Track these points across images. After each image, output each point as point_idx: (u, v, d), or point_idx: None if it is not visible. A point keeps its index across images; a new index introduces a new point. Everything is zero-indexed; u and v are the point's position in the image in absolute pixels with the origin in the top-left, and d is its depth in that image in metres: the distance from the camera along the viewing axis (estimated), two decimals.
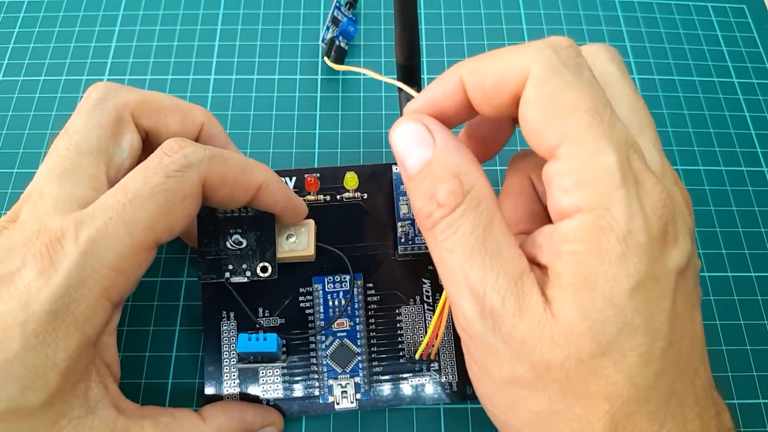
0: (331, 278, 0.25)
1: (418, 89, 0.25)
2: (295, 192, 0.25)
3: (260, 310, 0.25)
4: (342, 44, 0.34)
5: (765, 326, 0.29)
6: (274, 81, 0.34)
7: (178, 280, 0.29)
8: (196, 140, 0.24)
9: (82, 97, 0.23)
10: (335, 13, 0.34)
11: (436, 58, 0.35)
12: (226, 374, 0.24)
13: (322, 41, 0.34)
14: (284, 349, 0.24)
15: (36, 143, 0.32)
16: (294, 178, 0.26)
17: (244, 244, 0.23)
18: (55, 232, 0.19)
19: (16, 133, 0.32)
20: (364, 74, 0.32)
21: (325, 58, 0.33)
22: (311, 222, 0.24)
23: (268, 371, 0.24)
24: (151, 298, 0.28)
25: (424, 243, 0.25)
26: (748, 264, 0.30)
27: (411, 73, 0.25)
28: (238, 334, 0.24)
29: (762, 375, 0.28)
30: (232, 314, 0.25)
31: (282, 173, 0.25)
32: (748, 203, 0.32)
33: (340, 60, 0.33)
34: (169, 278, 0.29)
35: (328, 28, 0.34)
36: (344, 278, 0.25)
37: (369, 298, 0.25)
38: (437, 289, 0.26)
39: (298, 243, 0.24)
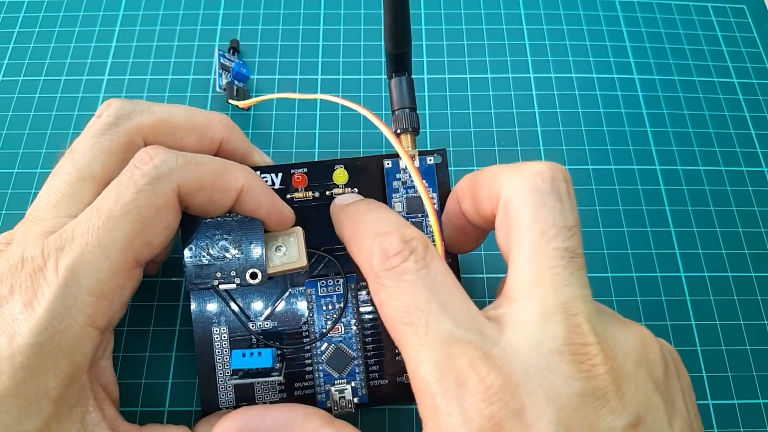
0: (324, 282, 0.25)
1: (409, 76, 0.25)
2: (282, 189, 0.24)
3: (252, 314, 0.24)
4: (241, 86, 0.33)
5: (765, 326, 0.29)
6: (274, 81, 0.34)
7: (178, 281, 0.29)
8: (216, 155, 0.23)
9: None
10: (221, 61, 0.33)
11: (437, 58, 0.35)
12: (221, 386, 0.24)
13: (220, 88, 0.33)
14: (279, 354, 0.24)
15: (36, 143, 0.32)
16: (280, 174, 0.25)
17: (231, 250, 0.23)
18: (38, 260, 0.19)
19: (16, 133, 0.32)
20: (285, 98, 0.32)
21: (231, 101, 0.32)
22: (299, 230, 0.24)
23: (264, 385, 0.24)
24: (151, 298, 0.28)
25: None
26: (748, 264, 0.30)
27: (401, 62, 0.24)
28: (231, 351, 0.24)
29: (762, 375, 0.28)
30: (222, 319, 0.24)
31: (268, 169, 0.25)
32: (748, 203, 0.32)
33: (246, 99, 0.33)
34: (169, 278, 0.29)
35: (221, 75, 0.33)
36: (337, 282, 0.25)
37: (362, 300, 0.25)
38: None
39: (289, 254, 0.23)
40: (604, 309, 0.20)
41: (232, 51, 0.34)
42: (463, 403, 0.16)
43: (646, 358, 0.18)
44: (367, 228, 0.20)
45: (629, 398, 0.16)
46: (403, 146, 0.23)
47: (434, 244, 0.21)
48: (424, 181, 0.24)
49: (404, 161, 0.23)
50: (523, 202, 0.19)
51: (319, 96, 0.26)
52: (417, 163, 0.25)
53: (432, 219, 0.22)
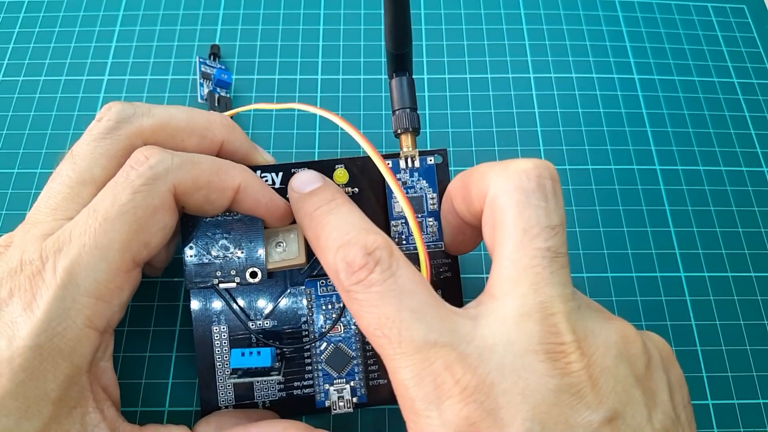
0: (324, 281, 0.25)
1: (410, 76, 0.24)
2: (283, 188, 0.24)
3: (252, 313, 0.24)
4: (223, 94, 0.33)
5: (765, 326, 0.29)
6: (274, 81, 0.34)
7: (178, 281, 0.29)
8: (217, 156, 0.23)
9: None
10: (202, 69, 0.33)
11: (437, 58, 0.35)
12: (220, 385, 0.24)
13: (202, 99, 0.32)
14: (278, 353, 0.24)
15: (36, 143, 0.32)
16: (281, 174, 0.25)
17: (231, 249, 0.23)
18: (36, 263, 0.19)
19: (16, 133, 0.32)
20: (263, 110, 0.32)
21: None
22: (299, 226, 0.24)
23: (263, 384, 0.24)
24: (151, 298, 0.28)
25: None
26: (748, 264, 0.30)
27: (402, 62, 0.24)
28: (230, 350, 0.24)
29: (762, 375, 0.28)
30: (222, 318, 0.24)
31: (268, 169, 0.24)
32: (748, 203, 0.32)
33: (228, 108, 0.33)
34: (169, 278, 0.29)
35: (201, 85, 0.33)
36: None
37: None
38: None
39: (288, 251, 0.23)
40: (589, 304, 0.20)
41: (212, 57, 0.34)
42: (440, 405, 0.16)
43: (628, 353, 0.18)
44: (329, 237, 0.20)
45: (606, 393, 0.17)
46: (376, 152, 0.22)
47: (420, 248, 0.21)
48: (400, 183, 0.24)
49: (378, 165, 0.22)
50: (508, 200, 0.19)
51: (294, 105, 0.26)
52: (417, 163, 0.25)
53: (413, 227, 0.21)
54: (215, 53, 0.34)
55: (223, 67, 0.34)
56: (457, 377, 0.16)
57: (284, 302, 0.24)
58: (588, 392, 0.16)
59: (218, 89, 0.33)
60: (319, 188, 0.22)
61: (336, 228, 0.20)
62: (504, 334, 0.17)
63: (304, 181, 0.22)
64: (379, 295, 0.18)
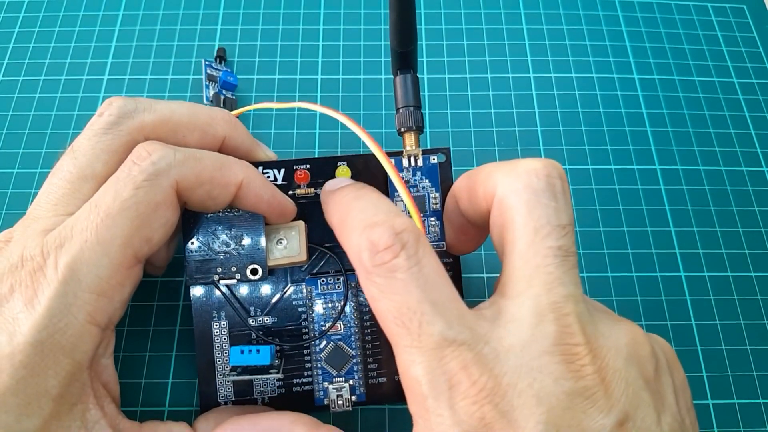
0: (325, 279, 0.25)
1: (414, 74, 0.24)
2: (285, 185, 0.24)
3: (252, 309, 0.24)
4: (229, 95, 0.33)
5: (765, 326, 0.29)
6: (274, 81, 0.34)
7: (178, 280, 0.29)
8: (219, 152, 0.23)
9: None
10: (208, 71, 0.33)
11: (437, 58, 0.35)
12: (220, 382, 0.24)
13: (207, 100, 0.32)
14: (278, 350, 0.24)
15: (36, 143, 0.32)
16: (283, 170, 0.24)
17: (232, 245, 0.23)
18: (37, 258, 0.19)
19: (16, 133, 0.32)
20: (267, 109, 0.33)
21: None
22: (301, 224, 0.24)
23: (263, 381, 0.24)
24: (151, 298, 0.28)
25: None
26: (748, 264, 0.30)
27: (406, 60, 0.24)
28: (230, 347, 0.24)
29: (762, 375, 0.28)
30: (222, 314, 0.24)
31: (270, 165, 0.24)
32: (748, 203, 0.32)
33: (233, 109, 0.33)
34: (169, 278, 0.29)
35: (207, 86, 0.33)
36: (338, 279, 0.25)
37: (362, 299, 0.25)
38: None
39: (290, 248, 0.23)
40: (596, 306, 0.20)
41: (218, 60, 0.34)
42: (454, 405, 0.16)
43: (637, 356, 0.18)
44: (355, 218, 0.19)
45: (618, 396, 0.17)
46: (382, 150, 0.22)
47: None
48: (404, 182, 0.24)
49: (383, 164, 0.22)
50: (518, 199, 0.19)
51: (297, 104, 0.26)
52: (420, 162, 0.25)
53: (418, 225, 0.21)
54: (221, 56, 0.34)
55: (229, 70, 0.34)
56: (474, 378, 0.16)
57: (284, 300, 0.24)
58: (600, 396, 0.16)
59: (224, 91, 0.33)
60: (349, 184, 0.23)
61: (363, 210, 0.20)
62: (520, 335, 0.17)
63: (335, 182, 0.23)
64: (403, 282, 0.17)
